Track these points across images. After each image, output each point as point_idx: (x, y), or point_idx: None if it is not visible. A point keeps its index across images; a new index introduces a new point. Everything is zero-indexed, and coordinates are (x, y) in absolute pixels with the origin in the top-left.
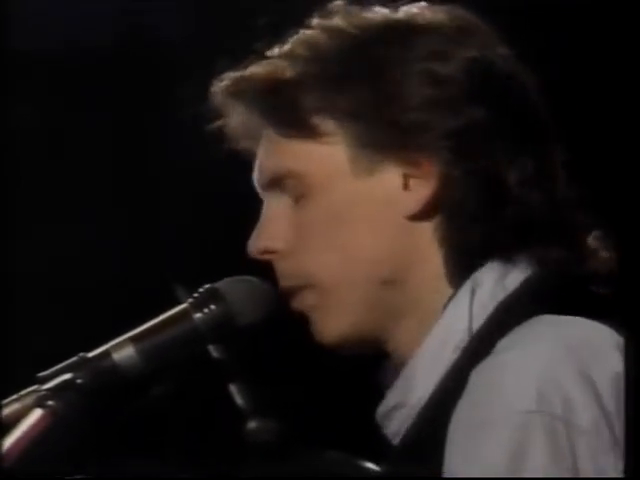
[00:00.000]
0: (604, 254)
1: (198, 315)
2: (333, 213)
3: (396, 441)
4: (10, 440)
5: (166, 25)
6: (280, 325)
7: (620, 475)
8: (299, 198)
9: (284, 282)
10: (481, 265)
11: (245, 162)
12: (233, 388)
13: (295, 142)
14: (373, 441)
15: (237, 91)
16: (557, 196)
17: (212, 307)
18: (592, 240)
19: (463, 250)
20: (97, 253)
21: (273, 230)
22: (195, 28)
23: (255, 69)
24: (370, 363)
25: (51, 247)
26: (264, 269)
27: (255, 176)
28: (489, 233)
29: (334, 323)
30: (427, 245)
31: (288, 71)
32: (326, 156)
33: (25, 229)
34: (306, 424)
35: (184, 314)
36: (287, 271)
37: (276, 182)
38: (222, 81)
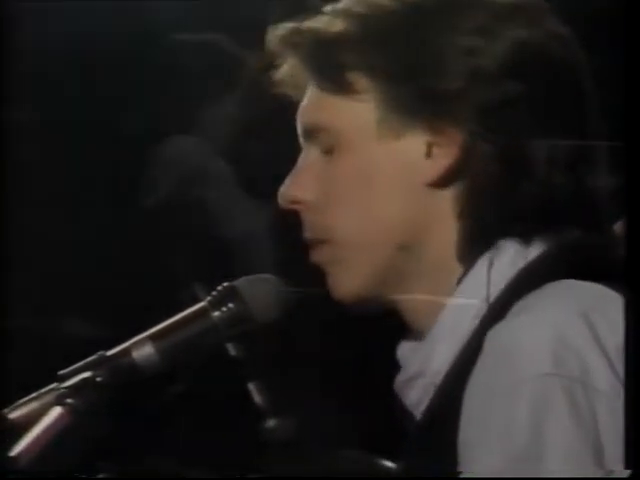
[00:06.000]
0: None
1: (216, 313)
2: (357, 172)
3: (416, 412)
4: (29, 438)
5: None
6: (297, 323)
7: None
8: (329, 152)
9: (307, 234)
10: (498, 239)
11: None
12: (251, 386)
13: (332, 97)
14: (390, 437)
15: (289, 41)
16: (586, 181)
17: (230, 305)
18: (619, 228)
19: (480, 223)
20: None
21: (303, 181)
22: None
23: (309, 23)
24: (388, 360)
25: (49, 241)
26: (282, 267)
27: (297, 125)
28: (508, 209)
29: (347, 280)
30: (445, 215)
31: (338, 27)
32: (356, 114)
33: (26, 225)
34: (323, 422)
35: (202, 312)
36: (311, 223)
37: (311, 134)
38: (277, 30)
